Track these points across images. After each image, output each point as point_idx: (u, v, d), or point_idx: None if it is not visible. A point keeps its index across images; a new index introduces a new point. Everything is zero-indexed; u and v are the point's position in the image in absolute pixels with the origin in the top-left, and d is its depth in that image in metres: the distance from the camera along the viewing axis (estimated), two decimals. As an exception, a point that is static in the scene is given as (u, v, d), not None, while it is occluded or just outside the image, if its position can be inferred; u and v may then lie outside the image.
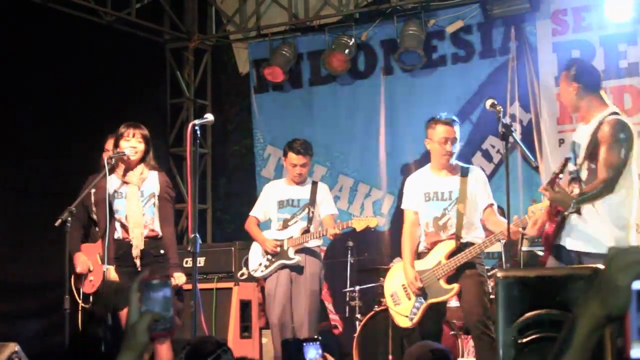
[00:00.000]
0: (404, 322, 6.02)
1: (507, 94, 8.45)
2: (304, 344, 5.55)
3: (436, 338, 5.85)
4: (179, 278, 6.06)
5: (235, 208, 9.53)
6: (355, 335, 7.14)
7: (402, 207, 6.20)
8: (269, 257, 6.83)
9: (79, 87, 8.70)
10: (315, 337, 6.67)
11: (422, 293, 5.88)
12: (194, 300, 5.47)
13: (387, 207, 9.02)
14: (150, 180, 6.06)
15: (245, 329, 7.73)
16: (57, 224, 5.85)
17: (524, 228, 5.59)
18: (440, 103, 8.36)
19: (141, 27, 9.38)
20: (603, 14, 7.89)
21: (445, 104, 8.16)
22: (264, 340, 7.86)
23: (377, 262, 8.28)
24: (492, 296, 5.82)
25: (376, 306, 7.20)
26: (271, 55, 9.32)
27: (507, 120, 8.00)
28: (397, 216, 8.21)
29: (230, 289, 7.68)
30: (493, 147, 8.48)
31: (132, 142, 5.96)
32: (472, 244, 5.81)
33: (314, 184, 7.01)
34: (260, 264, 6.88)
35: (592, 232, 4.89)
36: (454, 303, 6.44)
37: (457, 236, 5.85)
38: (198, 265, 5.99)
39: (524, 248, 6.68)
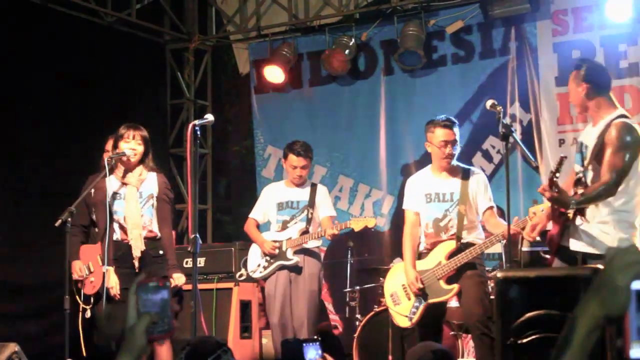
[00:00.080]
0: (403, 322, 6.02)
1: (507, 94, 8.44)
2: (304, 345, 5.55)
3: (436, 338, 5.85)
4: (178, 279, 6.07)
5: (235, 208, 9.54)
6: (355, 335, 7.14)
7: (403, 207, 6.21)
8: (268, 258, 6.83)
9: (79, 88, 8.70)
10: (315, 337, 6.68)
11: (422, 293, 5.89)
12: (194, 300, 5.47)
13: (387, 207, 9.01)
14: (148, 182, 6.07)
15: (245, 329, 7.73)
16: (57, 224, 5.86)
17: (524, 229, 5.59)
18: (440, 103, 8.37)
19: (141, 28, 9.38)
20: (603, 14, 7.88)
21: (445, 105, 8.17)
22: (264, 340, 7.86)
23: (377, 262, 8.27)
24: (492, 296, 5.82)
25: (376, 306, 7.20)
26: (271, 55, 9.32)
27: (507, 120, 7.97)
28: (398, 217, 8.21)
29: (231, 289, 7.68)
30: (493, 147, 8.48)
31: (132, 144, 5.98)
32: (472, 244, 5.82)
33: (313, 186, 7.01)
34: (259, 265, 6.89)
35: (596, 234, 4.89)
36: (454, 303, 6.44)
37: (457, 237, 5.86)
38: (198, 265, 5.99)
39: (524, 249, 6.69)
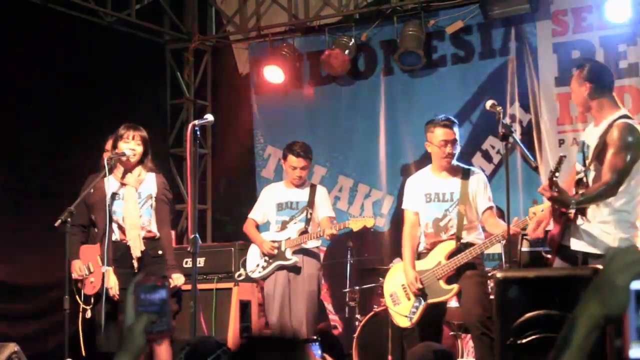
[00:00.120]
0: (403, 322, 6.02)
1: (507, 94, 8.44)
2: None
3: (436, 338, 5.85)
4: (177, 279, 6.07)
5: (235, 208, 9.51)
6: (355, 335, 7.14)
7: (403, 207, 6.21)
8: (267, 258, 6.83)
9: (78, 88, 8.70)
10: (315, 337, 6.68)
11: (422, 293, 5.89)
12: (194, 300, 5.47)
13: (387, 207, 9.01)
14: (147, 182, 6.08)
15: (244, 330, 7.72)
16: (56, 224, 5.86)
17: (524, 229, 5.60)
18: (440, 104, 8.37)
19: (141, 28, 9.38)
20: (603, 15, 7.88)
21: (445, 105, 8.17)
22: (263, 340, 7.84)
23: (377, 262, 8.27)
24: (492, 297, 5.82)
25: (376, 306, 7.20)
26: (271, 55, 9.31)
27: (506, 120, 7.99)
28: (397, 217, 8.21)
29: (230, 289, 7.67)
30: (493, 147, 8.48)
31: (132, 144, 5.98)
32: (472, 244, 5.82)
33: (313, 186, 7.02)
34: (257, 265, 6.89)
35: (597, 233, 4.90)
36: (453, 303, 6.44)
37: (457, 237, 5.86)
38: (198, 265, 5.99)
39: (524, 249, 6.69)
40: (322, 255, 7.26)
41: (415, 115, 8.61)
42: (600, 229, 4.91)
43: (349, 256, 8.03)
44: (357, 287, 7.81)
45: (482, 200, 5.92)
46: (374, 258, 8.66)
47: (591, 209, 4.93)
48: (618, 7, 7.72)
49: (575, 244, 4.98)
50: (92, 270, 6.21)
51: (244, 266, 7.12)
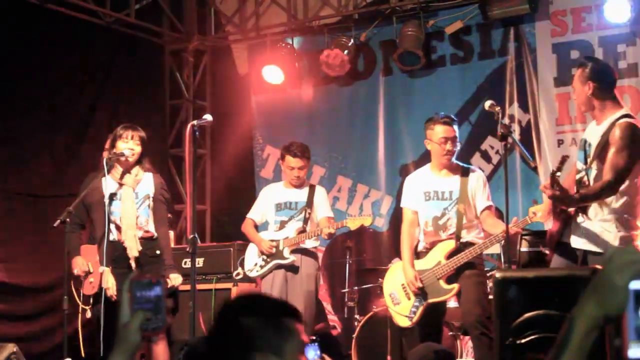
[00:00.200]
0: (403, 322, 6.02)
1: (506, 94, 8.45)
2: (303, 345, 5.54)
3: (436, 338, 5.85)
4: (175, 279, 6.07)
5: (234, 209, 9.51)
6: (354, 336, 7.14)
7: (401, 205, 6.20)
8: (265, 257, 6.83)
9: (78, 88, 8.70)
10: (314, 338, 6.67)
11: (422, 293, 5.88)
12: (193, 301, 5.47)
13: (385, 207, 9.01)
14: (145, 182, 6.09)
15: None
16: (55, 224, 5.86)
17: (524, 229, 5.61)
18: (439, 104, 8.36)
19: (140, 28, 9.37)
20: (602, 15, 7.88)
21: (444, 105, 8.16)
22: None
23: (376, 262, 8.27)
24: (491, 297, 5.82)
25: (375, 307, 7.20)
26: (270, 55, 9.31)
27: (506, 120, 8.02)
28: (396, 217, 8.21)
29: (229, 289, 7.67)
30: (492, 147, 8.48)
31: (130, 144, 5.99)
32: (471, 243, 5.82)
33: (312, 187, 7.01)
34: (255, 264, 6.89)
35: (598, 231, 4.92)
36: (452, 304, 6.43)
37: (457, 236, 5.85)
38: (197, 266, 5.99)
39: (523, 249, 6.69)
40: (320, 255, 7.25)
41: (414, 116, 8.61)
42: (601, 226, 4.92)
43: (348, 256, 8.03)
44: (356, 288, 7.81)
45: (481, 200, 5.92)
46: (373, 258, 8.66)
47: (592, 207, 4.95)
48: (617, 8, 7.72)
49: (576, 242, 4.99)
50: (91, 270, 6.21)
51: (242, 265, 7.12)
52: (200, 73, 10.10)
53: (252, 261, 6.93)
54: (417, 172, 6.24)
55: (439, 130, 5.89)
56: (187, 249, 5.55)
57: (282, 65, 9.20)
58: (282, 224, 6.87)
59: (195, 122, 5.79)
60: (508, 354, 3.79)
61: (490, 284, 6.13)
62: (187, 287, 5.84)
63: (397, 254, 6.73)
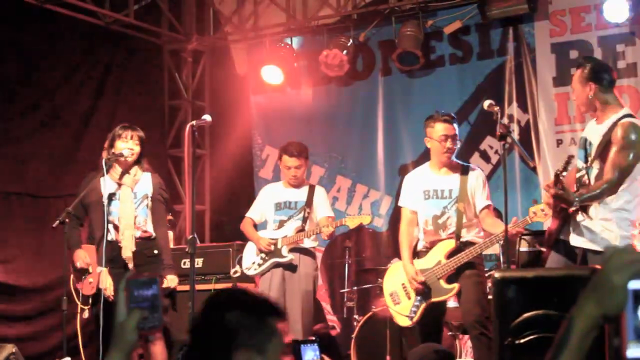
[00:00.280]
0: (403, 322, 6.01)
1: (505, 94, 8.45)
2: (302, 345, 5.54)
3: (436, 337, 5.85)
4: (171, 281, 6.07)
5: (233, 209, 9.51)
6: (353, 336, 7.14)
7: (399, 204, 6.20)
8: (263, 255, 6.83)
9: (77, 88, 8.70)
10: (313, 338, 6.67)
11: (422, 292, 5.86)
12: (192, 301, 5.47)
13: (385, 208, 9.01)
14: (143, 182, 6.09)
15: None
16: (54, 225, 5.87)
17: (525, 229, 5.62)
18: (438, 104, 8.33)
19: (139, 29, 9.37)
20: (601, 15, 7.88)
21: (443, 105, 8.13)
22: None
23: (375, 263, 8.27)
24: (490, 296, 5.82)
25: (374, 307, 7.20)
26: (269, 56, 9.31)
27: (505, 120, 8.01)
28: (395, 217, 8.20)
29: (228, 289, 7.67)
30: (491, 147, 8.48)
31: (130, 144, 6.00)
32: (471, 243, 5.81)
33: (311, 187, 7.01)
34: (253, 263, 6.88)
35: (598, 230, 4.94)
36: (451, 303, 6.43)
37: (457, 235, 5.84)
38: (196, 266, 5.99)
39: (522, 249, 6.69)
40: (319, 256, 7.25)
41: (413, 116, 8.61)
42: (602, 225, 4.95)
43: (347, 257, 8.03)
44: (355, 288, 7.81)
45: (480, 198, 5.91)
46: (372, 258, 8.67)
47: (593, 206, 4.98)
48: (616, 7, 7.71)
49: (575, 240, 5.01)
50: (90, 270, 6.21)
51: (240, 263, 7.11)
52: (199, 73, 10.10)
53: (250, 259, 6.93)
54: (416, 171, 6.23)
55: (439, 128, 5.88)
56: (187, 250, 5.55)
57: (281, 65, 9.20)
58: (281, 223, 6.87)
59: (194, 122, 5.80)
60: (507, 354, 3.79)
61: (489, 283, 6.13)
62: (187, 287, 5.85)
63: (396, 254, 6.73)
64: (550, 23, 8.29)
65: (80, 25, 8.69)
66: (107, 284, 5.87)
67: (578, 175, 5.09)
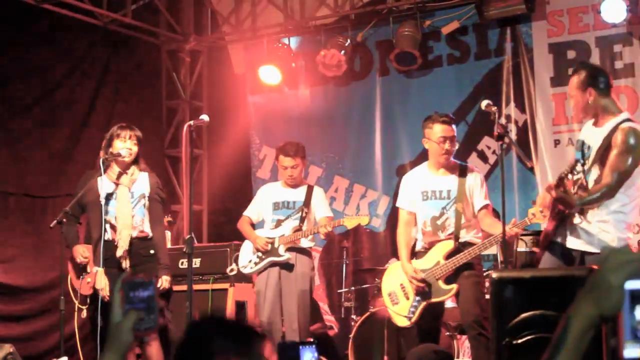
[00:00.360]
0: (402, 322, 6.00)
1: (503, 94, 8.45)
2: (300, 347, 5.54)
3: (434, 338, 5.85)
4: (165, 281, 6.06)
5: (231, 209, 9.52)
6: (351, 336, 7.14)
7: (397, 205, 6.19)
8: (259, 254, 6.82)
9: (75, 89, 8.69)
10: (312, 340, 6.67)
11: (421, 292, 5.86)
12: (190, 301, 5.47)
13: (382, 208, 9.01)
14: (140, 182, 6.09)
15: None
16: (52, 225, 5.87)
17: (525, 229, 5.62)
18: (436, 104, 8.35)
19: (137, 29, 9.36)
20: (599, 15, 7.88)
21: (441, 105, 8.15)
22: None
23: (373, 263, 8.28)
24: (488, 296, 5.82)
25: (371, 307, 7.20)
26: (267, 56, 9.31)
27: (502, 121, 8.01)
28: (393, 217, 8.20)
29: (226, 289, 7.68)
30: (488, 147, 8.48)
31: (128, 144, 6.00)
32: (470, 243, 5.81)
33: (310, 187, 7.01)
34: (250, 261, 6.88)
35: (596, 232, 4.95)
36: (449, 304, 6.43)
37: (455, 236, 5.84)
38: (194, 266, 5.98)
39: (520, 249, 6.69)
40: (317, 256, 7.25)
41: (411, 116, 8.62)
42: (599, 227, 4.96)
43: (345, 257, 8.03)
44: (353, 288, 7.81)
45: (478, 198, 5.91)
46: (370, 259, 8.67)
47: (590, 209, 4.98)
48: (614, 8, 7.72)
49: (572, 242, 5.02)
50: (89, 270, 6.21)
51: (236, 262, 7.11)
52: (196, 73, 10.09)
53: (247, 258, 6.93)
54: (414, 171, 6.22)
55: (437, 130, 5.87)
56: (184, 250, 5.55)
57: (278, 65, 9.19)
58: (279, 223, 6.87)
59: (191, 122, 5.80)
60: (504, 354, 3.79)
61: (487, 284, 6.13)
62: (184, 287, 5.84)
63: (394, 254, 6.74)
64: (548, 23, 8.29)
65: (78, 25, 8.68)
66: (103, 284, 5.87)
67: (575, 177, 5.09)
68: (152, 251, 6.03)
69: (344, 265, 8.01)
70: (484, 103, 5.51)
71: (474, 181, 5.93)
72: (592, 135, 5.09)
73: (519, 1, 7.99)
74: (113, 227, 5.97)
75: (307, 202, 6.86)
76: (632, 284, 1.44)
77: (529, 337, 3.70)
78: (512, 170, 8.20)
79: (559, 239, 5.10)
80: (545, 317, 3.64)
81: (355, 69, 9.29)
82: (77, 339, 6.52)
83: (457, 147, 6.01)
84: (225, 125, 9.77)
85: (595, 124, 5.11)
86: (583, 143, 5.13)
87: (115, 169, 6.03)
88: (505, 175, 5.36)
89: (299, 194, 6.91)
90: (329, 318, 8.84)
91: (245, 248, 7.00)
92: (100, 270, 5.88)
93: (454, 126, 5.93)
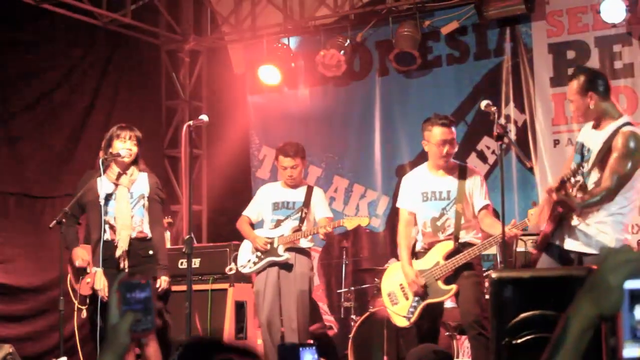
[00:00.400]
0: (401, 322, 6.00)
1: (502, 94, 8.45)
2: (300, 349, 5.55)
3: (434, 338, 5.85)
4: (163, 282, 6.05)
5: (230, 209, 9.51)
6: (351, 336, 7.14)
7: (397, 205, 6.18)
8: (259, 254, 6.82)
9: (74, 89, 8.69)
10: (312, 341, 6.67)
11: (422, 293, 5.86)
12: (189, 301, 5.46)
13: (382, 208, 9.01)
14: (139, 182, 6.09)
15: (240, 330, 7.72)
16: (51, 225, 5.87)
17: (525, 229, 5.62)
18: (435, 104, 8.36)
19: (136, 29, 9.36)
20: (598, 15, 7.89)
21: (440, 105, 8.17)
22: (259, 341, 7.85)
23: (373, 263, 8.28)
24: (487, 297, 5.82)
25: (371, 307, 7.20)
26: (266, 56, 9.31)
27: (502, 121, 8.01)
28: (393, 217, 8.21)
29: (226, 290, 7.67)
30: (488, 148, 8.48)
31: (128, 144, 6.00)
32: (470, 244, 5.81)
33: (309, 187, 7.01)
34: (249, 261, 6.88)
35: (594, 234, 4.96)
36: (449, 304, 6.43)
37: (455, 236, 5.84)
38: (193, 266, 5.98)
39: (519, 249, 6.69)
40: (316, 256, 7.25)
41: (410, 116, 8.62)
42: (597, 229, 4.97)
43: (344, 257, 8.03)
44: (352, 288, 7.81)
45: (478, 198, 5.90)
46: (369, 259, 8.67)
47: (587, 211, 5.00)
48: (613, 8, 7.72)
49: (570, 244, 5.03)
50: (89, 270, 6.21)
51: (235, 261, 7.11)
52: (196, 73, 10.10)
53: (246, 257, 6.92)
54: (414, 172, 6.21)
55: (437, 133, 5.85)
56: (184, 250, 5.55)
57: (278, 65, 9.20)
58: (278, 223, 6.87)
59: (191, 122, 5.80)
60: (504, 354, 3.79)
61: (487, 284, 6.13)
62: (184, 287, 5.84)
63: (393, 254, 6.74)
64: (548, 23, 8.29)
65: (78, 25, 8.68)
66: (102, 285, 5.87)
67: (574, 180, 5.10)
68: (151, 252, 6.03)
69: (344, 265, 8.01)
70: (483, 103, 5.50)
71: (474, 182, 5.93)
72: (592, 138, 5.10)
73: (519, 1, 7.99)
74: (112, 228, 5.97)
75: (306, 203, 6.86)
76: (631, 284, 1.44)
77: (528, 337, 3.70)
78: (512, 171, 8.20)
79: (556, 241, 5.11)
80: (545, 317, 3.63)
81: (355, 69, 9.29)
82: (76, 339, 6.51)
83: (456, 148, 6.01)
84: (224, 125, 9.77)
85: (596, 126, 5.12)
86: (582, 145, 5.13)
87: (114, 169, 6.03)
88: (505, 176, 5.36)
89: (299, 195, 6.91)
90: (328, 318, 8.84)
91: (244, 248, 7.00)
92: (99, 270, 5.88)
93: (453, 128, 5.92)
